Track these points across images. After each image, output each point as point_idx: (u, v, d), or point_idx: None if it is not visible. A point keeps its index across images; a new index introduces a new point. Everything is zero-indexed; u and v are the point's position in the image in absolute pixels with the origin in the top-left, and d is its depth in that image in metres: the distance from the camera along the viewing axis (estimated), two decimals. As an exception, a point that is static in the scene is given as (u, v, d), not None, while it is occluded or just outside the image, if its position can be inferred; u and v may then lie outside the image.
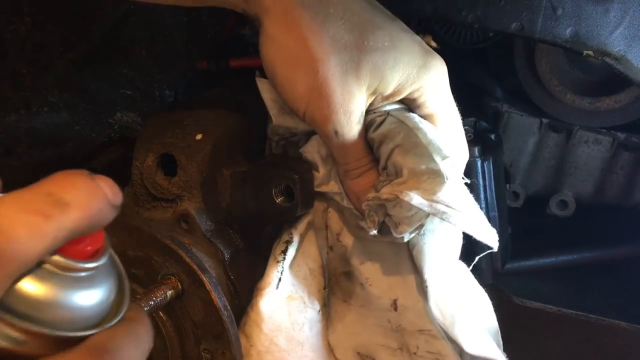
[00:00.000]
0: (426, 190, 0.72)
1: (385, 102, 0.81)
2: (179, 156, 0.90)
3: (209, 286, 0.83)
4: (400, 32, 0.80)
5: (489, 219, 1.14)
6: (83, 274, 0.46)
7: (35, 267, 0.43)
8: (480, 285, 0.91)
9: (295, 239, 0.88)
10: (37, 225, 0.42)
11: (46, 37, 1.31)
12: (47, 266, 0.44)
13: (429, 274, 0.80)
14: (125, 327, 0.49)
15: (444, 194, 0.73)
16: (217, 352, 0.85)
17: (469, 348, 0.80)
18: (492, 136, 1.23)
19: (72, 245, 0.45)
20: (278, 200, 0.84)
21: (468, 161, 1.11)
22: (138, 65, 1.34)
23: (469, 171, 1.12)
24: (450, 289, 0.81)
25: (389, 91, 0.78)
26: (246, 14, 0.77)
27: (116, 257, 0.52)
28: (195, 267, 0.83)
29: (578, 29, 0.99)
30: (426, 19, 1.58)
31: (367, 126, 0.80)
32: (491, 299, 0.90)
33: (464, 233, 0.79)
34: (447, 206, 0.72)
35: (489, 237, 0.76)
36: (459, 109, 0.88)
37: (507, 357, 0.88)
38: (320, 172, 0.83)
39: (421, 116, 0.82)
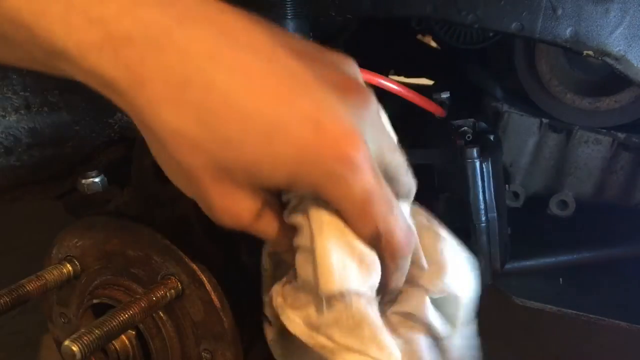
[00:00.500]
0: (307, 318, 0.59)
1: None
2: (179, 156, 0.90)
3: (209, 286, 0.83)
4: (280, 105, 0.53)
5: (488, 220, 1.14)
6: None
7: None
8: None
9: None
10: None
11: (46, 37, 1.31)
12: None
13: None
14: None
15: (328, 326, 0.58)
16: (217, 352, 0.85)
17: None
18: (491, 137, 1.23)
19: None
20: (278, 200, 0.84)
21: (468, 162, 1.12)
22: (138, 65, 1.34)
23: (468, 172, 1.12)
24: None
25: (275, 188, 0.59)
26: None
27: None
28: (195, 267, 0.83)
29: (578, 29, 0.99)
30: (426, 19, 1.58)
31: (285, 206, 0.63)
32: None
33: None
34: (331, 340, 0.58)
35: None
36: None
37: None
38: None
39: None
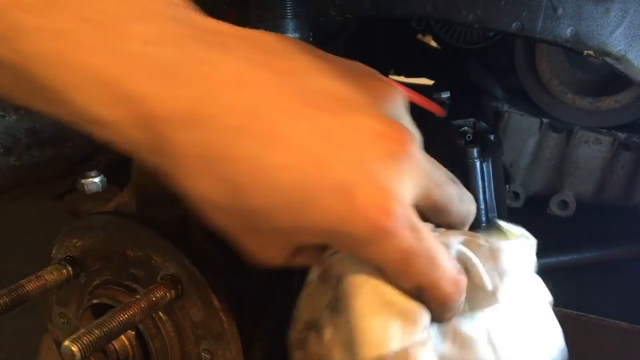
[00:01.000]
0: None
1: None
2: (178, 156, 0.90)
3: (209, 286, 0.83)
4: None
5: (488, 220, 1.14)
6: None
7: None
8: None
9: None
10: None
11: (46, 37, 1.31)
12: None
13: None
14: None
15: None
16: (217, 352, 0.85)
17: None
18: (492, 137, 1.22)
19: None
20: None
21: (468, 162, 1.12)
22: (138, 65, 1.34)
23: (468, 172, 1.12)
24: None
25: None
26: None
27: None
28: (195, 267, 0.83)
29: (578, 29, 0.99)
30: (426, 19, 1.58)
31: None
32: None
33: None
34: None
35: None
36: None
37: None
38: None
39: None
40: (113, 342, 0.85)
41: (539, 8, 0.99)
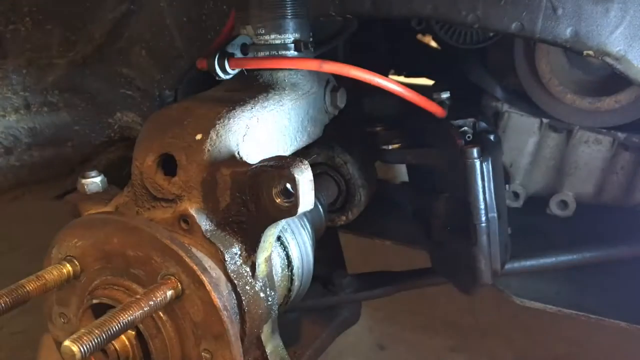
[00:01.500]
0: None
1: None
2: (179, 156, 0.90)
3: (209, 286, 0.83)
4: None
5: (488, 220, 1.14)
6: None
7: None
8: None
9: None
10: None
11: (46, 37, 1.31)
12: None
13: None
14: None
15: None
16: (217, 352, 0.85)
17: None
18: (492, 137, 1.22)
19: None
20: (277, 201, 0.84)
21: (468, 162, 1.12)
22: (138, 65, 1.34)
23: (468, 172, 1.12)
24: None
25: None
26: None
27: None
28: (195, 267, 0.83)
29: (578, 29, 0.99)
30: (426, 19, 1.58)
31: None
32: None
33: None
34: None
35: None
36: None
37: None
38: None
39: None
40: (113, 341, 0.86)
41: (538, 8, 0.99)
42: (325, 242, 1.35)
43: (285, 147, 1.05)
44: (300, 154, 1.09)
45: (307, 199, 0.84)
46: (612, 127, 1.35)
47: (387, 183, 1.82)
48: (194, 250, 0.87)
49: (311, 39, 1.11)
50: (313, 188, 0.85)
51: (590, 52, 1.00)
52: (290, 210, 0.84)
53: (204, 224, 0.89)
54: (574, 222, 1.44)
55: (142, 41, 1.31)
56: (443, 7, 1.05)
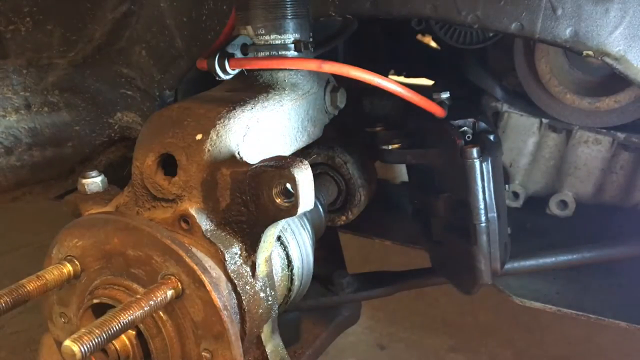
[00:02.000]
0: None
1: None
2: (179, 156, 0.90)
3: (209, 286, 0.83)
4: None
5: (488, 220, 1.14)
6: None
7: None
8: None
9: None
10: None
11: (46, 37, 1.31)
12: None
13: None
14: None
15: None
16: (217, 352, 0.85)
17: None
18: (491, 137, 1.23)
19: None
20: (278, 201, 0.84)
21: (467, 162, 1.12)
22: (138, 65, 1.34)
23: (468, 172, 1.12)
24: None
25: None
26: None
27: None
28: (195, 267, 0.83)
29: (578, 29, 0.99)
30: (426, 19, 1.58)
31: None
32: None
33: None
34: None
35: None
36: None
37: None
38: None
39: None
40: (113, 341, 0.86)
41: (538, 8, 0.99)
42: (325, 242, 1.35)
43: (285, 147, 1.05)
44: (300, 154, 1.09)
45: (307, 199, 0.84)
46: (612, 127, 1.35)
47: (387, 183, 1.82)
48: (194, 250, 0.87)
49: (311, 39, 1.12)
50: (313, 188, 0.85)
51: (590, 52, 1.00)
52: (290, 210, 0.84)
53: (204, 224, 0.89)
54: (574, 222, 1.44)
55: (142, 41, 1.31)
56: (443, 7, 1.05)
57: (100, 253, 0.90)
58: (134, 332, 0.87)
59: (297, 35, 1.08)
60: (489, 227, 1.14)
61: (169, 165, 0.92)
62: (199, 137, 0.90)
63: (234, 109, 0.95)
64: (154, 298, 0.80)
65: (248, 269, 0.90)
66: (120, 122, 1.43)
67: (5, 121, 1.37)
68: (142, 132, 0.96)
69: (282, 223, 0.90)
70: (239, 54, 1.10)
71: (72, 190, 1.12)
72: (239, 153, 0.92)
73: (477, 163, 1.12)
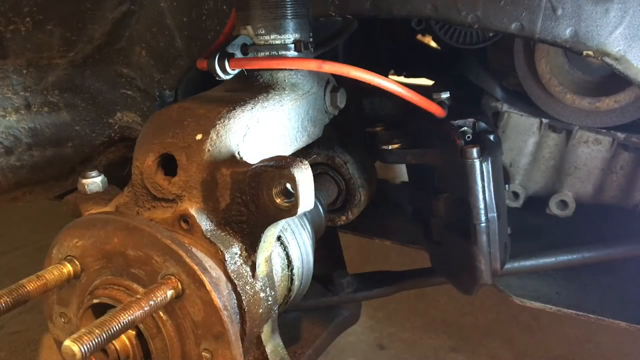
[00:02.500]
0: None
1: None
2: (179, 156, 0.90)
3: (209, 286, 0.83)
4: None
5: (488, 220, 1.14)
6: None
7: None
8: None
9: None
10: None
11: (46, 37, 1.31)
12: None
13: None
14: None
15: None
16: (217, 352, 0.85)
17: None
18: (491, 137, 1.23)
19: None
20: (278, 201, 0.84)
21: (467, 162, 1.12)
22: (138, 65, 1.34)
23: (468, 172, 1.12)
24: None
25: None
26: None
27: None
28: (195, 267, 0.83)
29: (578, 29, 0.99)
30: (426, 19, 1.58)
31: None
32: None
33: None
34: None
35: None
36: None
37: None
38: None
39: None
40: (114, 341, 0.86)
41: (538, 8, 0.99)
42: (325, 242, 1.35)
43: (285, 147, 1.05)
44: (300, 154, 1.09)
45: (307, 199, 0.84)
46: (612, 127, 1.35)
47: (387, 183, 1.82)
48: (194, 250, 0.87)
49: (311, 39, 1.12)
50: (313, 188, 0.85)
51: (590, 53, 1.00)
52: (290, 210, 0.84)
53: (204, 223, 0.89)
54: (574, 222, 1.44)
55: (142, 41, 1.31)
56: (443, 8, 1.05)
57: (100, 253, 0.90)
58: (134, 332, 0.87)
59: (297, 35, 1.08)
60: (489, 227, 1.14)
61: (169, 165, 0.92)
62: (199, 137, 0.90)
63: (234, 109, 0.95)
64: (154, 298, 0.80)
65: (248, 269, 0.90)
66: (120, 122, 1.43)
67: (5, 121, 1.36)
68: (142, 132, 0.96)
69: (282, 223, 0.90)
70: (239, 54, 1.10)
71: (72, 190, 1.12)
72: (239, 153, 0.92)
73: (477, 163, 1.12)
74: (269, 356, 0.97)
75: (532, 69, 1.35)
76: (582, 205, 1.44)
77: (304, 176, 0.83)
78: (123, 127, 1.44)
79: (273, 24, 1.06)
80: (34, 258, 2.80)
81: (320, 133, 1.17)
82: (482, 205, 1.13)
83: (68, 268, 0.92)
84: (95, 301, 0.89)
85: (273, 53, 1.08)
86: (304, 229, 1.10)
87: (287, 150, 1.06)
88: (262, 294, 0.91)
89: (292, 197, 0.83)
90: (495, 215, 1.14)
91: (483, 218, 1.13)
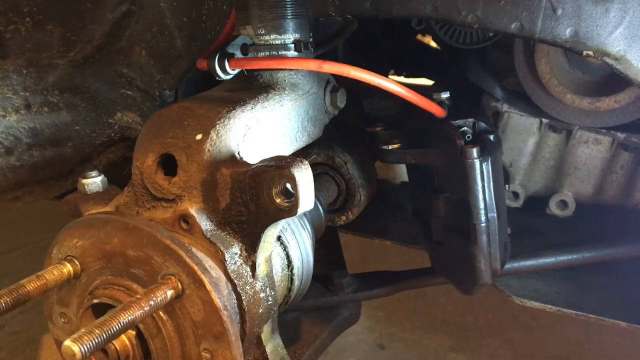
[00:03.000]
0: None
1: None
2: (179, 156, 0.90)
3: (209, 286, 0.83)
4: None
5: (488, 220, 1.14)
6: None
7: None
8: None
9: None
10: None
11: (46, 37, 1.31)
12: None
13: None
14: None
15: None
16: (217, 352, 0.85)
17: None
18: (491, 137, 1.23)
19: None
20: (278, 201, 0.84)
21: (467, 162, 1.12)
22: (138, 65, 1.34)
23: (468, 172, 1.12)
24: None
25: None
26: None
27: None
28: (195, 267, 0.83)
29: (578, 29, 0.99)
30: (426, 19, 1.58)
31: None
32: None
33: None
34: None
35: None
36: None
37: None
38: None
39: None
40: (114, 341, 0.86)
41: (538, 8, 0.99)
42: (325, 242, 1.35)
43: (285, 147, 1.05)
44: (300, 154, 1.09)
45: (307, 199, 0.84)
46: (612, 127, 1.35)
47: (387, 183, 1.82)
48: (194, 250, 0.87)
49: (311, 39, 1.12)
50: (313, 188, 0.85)
51: (590, 53, 1.00)
52: (291, 210, 0.84)
53: (204, 224, 0.89)
54: (574, 222, 1.44)
55: (142, 41, 1.31)
56: (443, 8, 1.05)
57: (100, 253, 0.90)
58: (134, 332, 0.87)
59: (297, 35, 1.08)
60: (489, 227, 1.14)
61: (169, 165, 0.92)
62: (199, 137, 0.90)
63: (234, 109, 0.95)
64: (154, 298, 0.80)
65: (248, 269, 0.90)
66: (120, 122, 1.43)
67: (5, 121, 1.36)
68: (142, 132, 0.96)
69: (282, 223, 0.90)
70: (239, 54, 1.10)
71: (72, 190, 1.12)
72: (239, 153, 0.92)
73: (477, 163, 1.12)
74: (269, 356, 0.97)
75: (532, 69, 1.35)
76: (582, 205, 1.44)
77: (304, 176, 0.83)
78: (123, 127, 1.44)
79: (273, 24, 1.06)
80: (34, 258, 2.80)
81: (320, 133, 1.17)
82: (482, 205, 1.13)
83: (68, 268, 0.92)
84: (95, 301, 0.89)
85: (273, 53, 1.08)
86: (304, 229, 1.10)
87: (287, 150, 1.06)
88: (262, 294, 0.91)
89: (292, 197, 0.83)
90: (495, 215, 1.14)
91: (483, 218, 1.13)
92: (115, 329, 0.75)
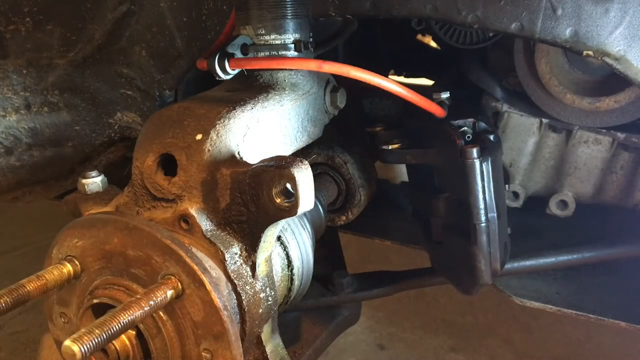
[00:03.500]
0: None
1: None
2: (179, 156, 0.90)
3: (209, 286, 0.83)
4: None
5: (488, 220, 1.14)
6: None
7: None
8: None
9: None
10: None
11: (46, 37, 1.31)
12: None
13: None
14: None
15: None
16: (217, 352, 0.85)
17: None
18: (491, 137, 1.23)
19: None
20: (278, 201, 0.84)
21: (467, 162, 1.12)
22: (138, 65, 1.34)
23: (468, 172, 1.12)
24: None
25: None
26: None
27: None
28: (195, 267, 0.83)
29: (578, 29, 0.99)
30: (426, 19, 1.58)
31: None
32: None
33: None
34: None
35: None
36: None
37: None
38: None
39: None
40: (114, 341, 0.86)
41: (538, 9, 0.99)
42: (325, 242, 1.35)
43: (285, 147, 1.05)
44: (300, 154, 1.09)
45: (307, 199, 0.84)
46: (612, 127, 1.35)
47: (387, 183, 1.82)
48: (194, 250, 0.87)
49: (311, 39, 1.12)
50: (313, 188, 0.85)
51: (590, 53, 1.00)
52: (291, 210, 0.84)
53: (204, 224, 0.89)
54: (574, 222, 1.44)
55: (142, 41, 1.31)
56: (443, 8, 1.05)
57: (100, 253, 0.90)
58: (134, 332, 0.87)
59: (297, 35, 1.08)
60: (489, 227, 1.14)
61: (169, 165, 0.92)
62: (199, 137, 0.90)
63: (234, 109, 0.95)
64: (154, 298, 0.80)
65: (248, 269, 0.90)
66: (120, 122, 1.43)
67: (5, 121, 1.36)
68: (142, 132, 0.96)
69: (282, 223, 0.90)
70: (239, 54, 1.10)
71: (72, 190, 1.12)
72: (239, 153, 0.92)
73: (477, 163, 1.12)
74: (269, 356, 0.97)
75: (532, 69, 1.35)
76: (582, 205, 1.44)
77: (304, 176, 0.83)
78: (123, 127, 1.44)
79: (273, 24, 1.06)
80: (34, 258, 2.80)
81: (320, 133, 1.17)
82: (482, 205, 1.13)
83: (68, 268, 0.91)
84: (95, 301, 0.89)
85: (273, 53, 1.08)
86: (304, 229, 1.10)
87: (287, 150, 1.06)
88: (262, 294, 0.91)
89: (292, 197, 0.83)
90: (495, 215, 1.14)
91: (483, 218, 1.13)
92: (115, 329, 0.75)
